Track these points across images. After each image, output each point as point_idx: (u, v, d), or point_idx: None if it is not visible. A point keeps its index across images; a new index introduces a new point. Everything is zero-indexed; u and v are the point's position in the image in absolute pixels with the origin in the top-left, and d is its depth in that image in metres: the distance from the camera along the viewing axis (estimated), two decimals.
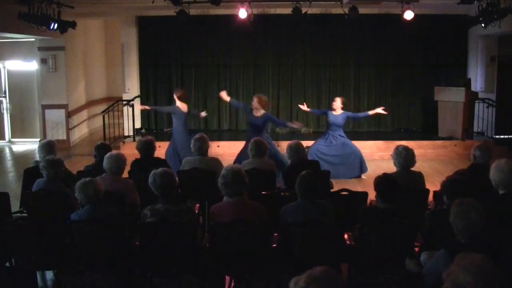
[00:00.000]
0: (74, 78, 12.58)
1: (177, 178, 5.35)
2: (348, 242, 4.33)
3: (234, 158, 8.15)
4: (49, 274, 4.72)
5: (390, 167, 5.54)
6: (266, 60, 12.21)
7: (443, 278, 2.33)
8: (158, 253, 4.10)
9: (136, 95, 11.71)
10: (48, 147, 5.80)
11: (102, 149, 5.80)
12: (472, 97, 10.76)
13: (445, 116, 10.95)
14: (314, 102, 11.94)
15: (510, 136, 11.31)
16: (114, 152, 5.40)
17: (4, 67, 12.58)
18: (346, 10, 9.62)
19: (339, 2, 9.54)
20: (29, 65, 12.42)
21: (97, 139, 10.05)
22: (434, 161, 10.09)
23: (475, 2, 8.82)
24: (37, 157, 6.03)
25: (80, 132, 12.94)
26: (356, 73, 12.18)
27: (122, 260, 4.20)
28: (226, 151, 9.87)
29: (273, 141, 8.54)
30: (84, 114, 13.20)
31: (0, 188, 7.51)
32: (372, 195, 4.73)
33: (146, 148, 6.03)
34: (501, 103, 11.31)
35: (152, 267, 4.06)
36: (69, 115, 12.07)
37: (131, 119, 11.02)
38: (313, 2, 9.49)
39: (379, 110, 8.82)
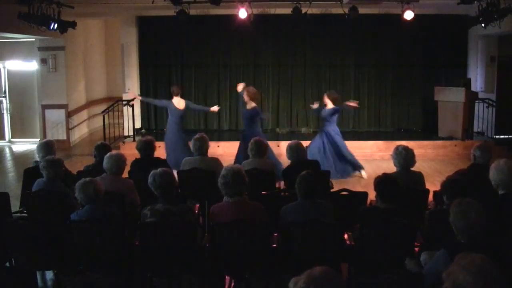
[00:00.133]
0: (74, 78, 12.58)
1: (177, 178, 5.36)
2: (348, 242, 4.32)
3: (234, 158, 8.17)
4: (49, 274, 4.72)
5: (390, 167, 5.54)
6: (266, 60, 12.21)
7: (443, 278, 2.33)
8: (158, 253, 4.10)
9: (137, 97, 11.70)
10: (46, 147, 5.79)
11: (102, 149, 5.80)
12: (472, 97, 10.76)
13: (445, 116, 10.95)
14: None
15: (510, 136, 11.31)
16: (114, 152, 5.40)
17: (4, 67, 12.58)
18: (346, 10, 9.62)
19: (339, 2, 9.54)
20: (29, 65, 12.42)
21: (97, 139, 10.05)
22: (434, 161, 10.09)
23: (475, 2, 8.82)
24: (37, 157, 6.03)
25: (80, 132, 12.94)
26: (356, 73, 12.18)
27: (122, 260, 4.20)
28: (226, 151, 9.86)
29: (273, 141, 8.56)
30: (84, 114, 13.20)
31: (0, 188, 7.52)
32: (372, 195, 4.73)
33: (146, 148, 6.03)
34: (501, 103, 11.31)
35: (152, 267, 4.05)
36: (69, 115, 12.08)
37: (131, 119, 11.03)
38: (313, 2, 9.49)
39: (353, 103, 8.67)
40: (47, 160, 5.02)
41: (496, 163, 4.13)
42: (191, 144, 6.24)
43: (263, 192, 5.11)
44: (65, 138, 11.96)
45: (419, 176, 5.31)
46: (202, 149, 6.09)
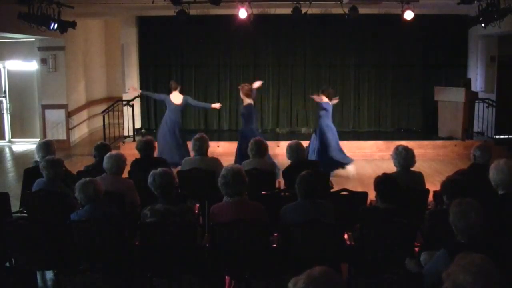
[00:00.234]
0: (74, 78, 12.58)
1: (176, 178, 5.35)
2: (348, 242, 4.32)
3: (234, 158, 8.18)
4: (49, 274, 4.71)
5: (390, 167, 5.54)
6: (266, 60, 12.21)
7: (443, 278, 2.33)
8: (158, 253, 4.10)
9: (136, 95, 11.70)
10: (45, 147, 5.79)
11: (101, 149, 5.80)
12: (472, 97, 10.76)
13: (445, 116, 10.95)
14: (314, 102, 11.93)
15: (510, 136, 11.31)
16: (114, 152, 5.40)
17: (4, 67, 12.58)
18: (346, 10, 9.62)
19: (339, 2, 9.54)
20: (29, 65, 12.42)
21: (97, 139, 10.05)
22: (434, 161, 10.09)
23: (475, 2, 8.82)
24: (37, 157, 6.03)
25: (80, 132, 12.94)
26: (356, 73, 12.18)
27: (122, 260, 4.20)
28: (226, 151, 9.87)
29: (273, 141, 8.59)
30: (84, 114, 13.20)
31: (0, 188, 7.51)
32: (372, 195, 4.73)
33: (146, 148, 6.03)
34: (501, 103, 11.30)
35: (152, 267, 4.05)
36: (69, 115, 12.08)
37: (131, 119, 11.03)
38: (313, 2, 9.49)
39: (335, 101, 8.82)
40: (47, 160, 5.02)
41: (496, 163, 4.12)
42: (190, 144, 6.25)
43: (263, 192, 5.11)
44: (65, 138, 11.96)
45: (419, 176, 5.30)
46: (202, 149, 6.09)
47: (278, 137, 10.96)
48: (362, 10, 9.91)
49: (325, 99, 8.57)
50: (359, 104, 12.11)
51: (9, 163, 10.75)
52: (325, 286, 2.08)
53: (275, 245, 4.27)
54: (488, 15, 8.64)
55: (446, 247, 3.12)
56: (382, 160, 9.92)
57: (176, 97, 8.52)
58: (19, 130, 12.75)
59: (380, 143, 10.67)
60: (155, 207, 4.16)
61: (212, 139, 8.05)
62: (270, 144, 7.42)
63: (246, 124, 8.25)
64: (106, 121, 10.98)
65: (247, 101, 8.18)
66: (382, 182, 4.28)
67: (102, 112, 11.15)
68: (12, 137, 12.74)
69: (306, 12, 9.57)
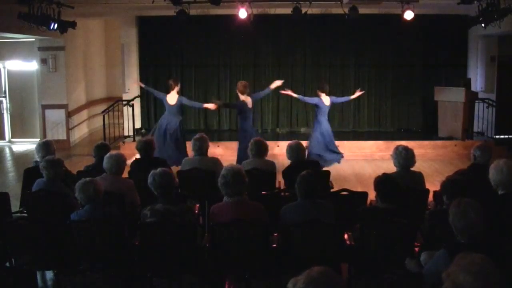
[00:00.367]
0: (74, 78, 12.58)
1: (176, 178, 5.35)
2: (348, 242, 4.32)
3: (234, 158, 8.19)
4: (49, 274, 4.72)
5: (390, 167, 5.54)
6: (266, 60, 12.20)
7: (443, 278, 2.33)
8: (158, 253, 4.10)
9: (136, 95, 11.71)
10: (45, 146, 5.79)
11: (101, 149, 5.80)
12: (472, 97, 10.76)
13: (445, 116, 10.95)
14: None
15: (510, 136, 11.31)
16: (114, 152, 5.40)
17: (4, 67, 12.58)
18: (346, 10, 9.61)
19: (339, 2, 9.53)
20: (29, 65, 12.42)
21: (97, 139, 10.06)
22: (434, 161, 10.08)
23: (475, 2, 8.82)
24: (37, 157, 6.03)
25: (80, 132, 12.94)
26: (356, 73, 12.17)
27: (122, 260, 4.20)
28: (226, 151, 9.87)
29: (273, 141, 8.63)
30: (84, 114, 13.20)
31: (0, 188, 7.52)
32: (372, 195, 4.73)
33: (146, 148, 6.03)
34: (501, 103, 11.30)
35: (152, 267, 4.05)
36: (69, 115, 12.08)
37: (131, 119, 11.03)
38: (313, 2, 9.49)
39: (358, 93, 8.81)
40: (47, 160, 5.02)
41: (496, 163, 4.13)
42: (190, 144, 6.25)
43: (263, 192, 5.11)
44: (65, 138, 11.96)
45: (419, 176, 5.31)
46: (202, 149, 6.09)
47: (278, 137, 10.95)
48: (362, 10, 9.91)
49: (323, 96, 8.57)
50: (359, 104, 12.10)
51: (9, 163, 10.75)
52: (325, 286, 2.08)
53: (275, 245, 4.27)
54: (488, 15, 8.64)
55: (446, 247, 3.12)
56: (382, 160, 9.92)
57: (172, 98, 8.54)
58: (19, 130, 12.75)
59: (380, 143, 10.67)
60: (155, 207, 4.16)
61: (212, 139, 8.07)
62: (270, 144, 7.43)
63: (240, 121, 8.41)
64: (106, 121, 10.98)
65: (241, 97, 8.23)
66: (382, 182, 4.28)
67: (102, 112, 11.14)
68: (12, 137, 12.75)
69: (306, 12, 9.56)
